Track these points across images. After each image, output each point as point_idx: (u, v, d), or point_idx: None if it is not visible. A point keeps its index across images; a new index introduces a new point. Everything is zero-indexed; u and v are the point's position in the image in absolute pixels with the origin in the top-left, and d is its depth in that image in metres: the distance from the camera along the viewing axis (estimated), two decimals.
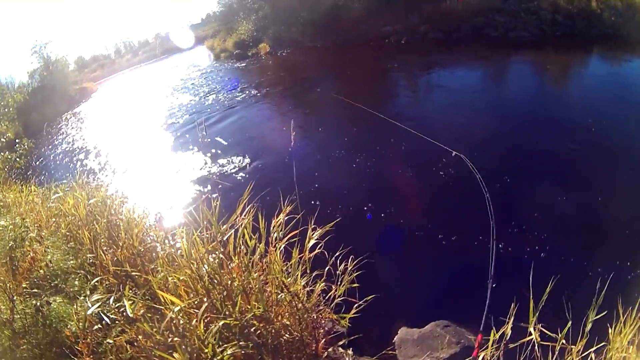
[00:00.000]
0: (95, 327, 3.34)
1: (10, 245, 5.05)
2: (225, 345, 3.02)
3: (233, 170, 10.93)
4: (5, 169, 11.05)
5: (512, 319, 3.23)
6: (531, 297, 3.16)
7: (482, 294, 4.86)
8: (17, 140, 12.47)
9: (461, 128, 10.52)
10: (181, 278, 3.48)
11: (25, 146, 11.77)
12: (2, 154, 11.39)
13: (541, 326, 3.17)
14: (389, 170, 9.01)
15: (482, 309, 4.56)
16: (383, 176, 8.95)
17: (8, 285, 4.13)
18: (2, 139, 10.91)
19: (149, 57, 50.88)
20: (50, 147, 19.17)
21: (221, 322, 3.04)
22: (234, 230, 3.97)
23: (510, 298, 3.33)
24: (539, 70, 15.76)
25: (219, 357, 2.93)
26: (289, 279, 4.01)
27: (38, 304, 3.94)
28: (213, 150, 12.55)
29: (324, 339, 3.97)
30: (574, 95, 12.68)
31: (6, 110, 11.27)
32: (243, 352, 3.04)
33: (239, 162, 11.29)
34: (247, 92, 19.14)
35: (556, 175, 8.03)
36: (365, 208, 7.74)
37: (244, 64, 27.17)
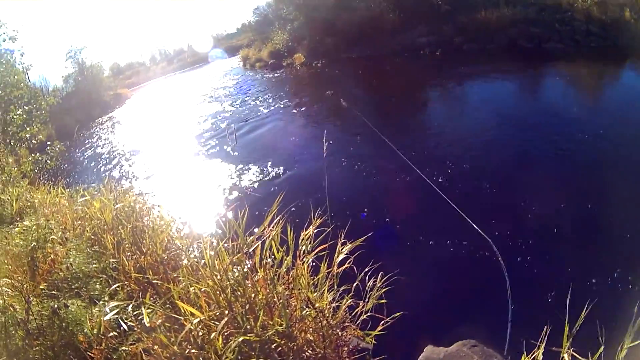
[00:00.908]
0: (111, 333, 3.21)
1: (32, 245, 5.00)
2: None
3: (263, 180, 10.90)
4: (35, 170, 11.07)
5: (544, 342, 3.01)
6: (567, 320, 2.94)
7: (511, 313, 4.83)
8: (48, 143, 12.52)
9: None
10: (202, 289, 3.33)
11: (57, 149, 11.80)
12: (33, 155, 11.43)
13: (573, 351, 2.93)
14: (424, 190, 8.76)
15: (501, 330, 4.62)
16: (417, 195, 8.70)
17: (25, 286, 4.04)
18: (34, 141, 10.94)
19: (184, 66, 51.56)
20: (81, 150, 19.49)
21: (240, 338, 2.88)
22: (260, 241, 3.84)
23: (540, 319, 3.20)
24: (573, 84, 15.44)
25: None
26: (316, 293, 3.85)
27: (55, 306, 3.84)
28: (244, 159, 12.54)
29: (347, 357, 3.78)
30: (610, 109, 12.27)
31: (38, 112, 11.31)
32: None
33: (270, 172, 11.25)
34: (280, 102, 19.21)
35: (590, 194, 7.78)
36: (396, 225, 7.60)
37: (278, 74, 27.28)
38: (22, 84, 10.44)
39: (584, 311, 3.00)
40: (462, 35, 22.29)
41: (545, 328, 3.02)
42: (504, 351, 4.13)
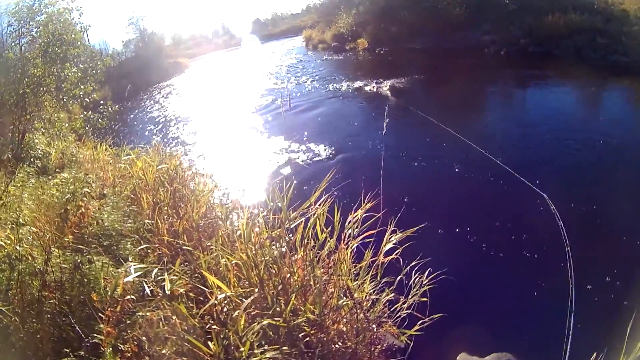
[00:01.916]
0: (128, 296, 2.97)
1: (67, 198, 4.88)
2: (265, 348, 2.57)
3: (315, 158, 10.73)
4: (87, 128, 11.13)
5: None
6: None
7: (553, 331, 4.47)
8: (101, 102, 12.59)
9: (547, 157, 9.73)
10: (233, 262, 3.06)
11: (110, 109, 11.82)
12: (85, 113, 11.49)
13: None
14: (487, 187, 8.37)
15: (549, 347, 4.26)
16: (479, 194, 8.37)
17: (48, 236, 3.86)
18: (87, 99, 10.97)
19: (246, 41, 51.66)
20: (135, 113, 19.75)
21: (266, 321, 2.59)
22: (304, 218, 3.54)
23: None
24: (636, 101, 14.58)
25: (255, 359, 2.49)
26: (356, 282, 3.54)
27: (79, 260, 3.65)
28: (297, 136, 12.40)
29: (379, 356, 3.46)
30: None
31: (94, 72, 11.38)
32: (284, 358, 2.58)
33: (323, 150, 11.07)
34: (340, 84, 18.99)
35: None
36: (451, 221, 7.25)
37: (340, 57, 27.05)
38: (78, 43, 10.44)
39: None
40: (528, 37, 21.52)
41: None
42: None
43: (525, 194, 7.42)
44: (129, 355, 2.80)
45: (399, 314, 3.88)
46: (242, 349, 2.45)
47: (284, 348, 2.60)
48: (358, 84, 18.73)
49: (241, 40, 51.40)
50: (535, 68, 18.34)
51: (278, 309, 2.76)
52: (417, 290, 3.91)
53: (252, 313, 2.74)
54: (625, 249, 6.32)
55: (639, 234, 6.55)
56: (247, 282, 3.03)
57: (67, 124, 10.70)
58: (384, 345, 3.45)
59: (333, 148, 11.11)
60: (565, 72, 17.55)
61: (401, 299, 3.85)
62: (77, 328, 3.12)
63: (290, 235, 3.45)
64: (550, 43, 20.44)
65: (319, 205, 3.55)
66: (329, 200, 3.63)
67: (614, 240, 6.53)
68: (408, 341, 4.01)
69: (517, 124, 12.55)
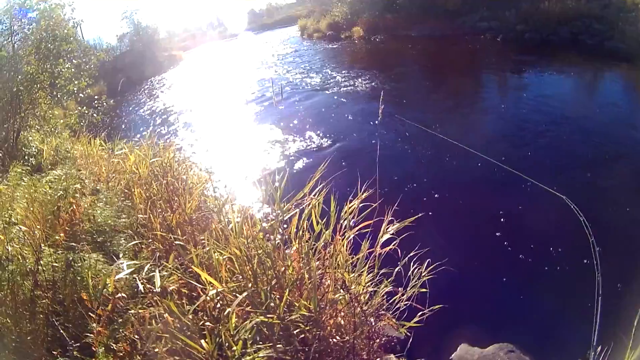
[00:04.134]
0: (119, 294, 2.90)
1: (59, 195, 4.80)
2: (259, 346, 2.49)
3: (310, 148, 10.66)
4: (81, 123, 11.08)
5: None
6: None
7: (558, 322, 4.64)
8: (96, 97, 12.54)
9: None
10: (224, 256, 2.98)
11: (104, 103, 11.81)
12: (79, 108, 11.45)
13: None
14: (484, 175, 8.26)
15: (552, 339, 4.40)
16: (476, 180, 8.28)
17: (38, 234, 3.78)
18: (81, 95, 10.92)
19: (241, 32, 51.43)
20: (130, 107, 19.67)
21: (257, 319, 2.52)
22: (299, 209, 3.44)
23: None
24: (635, 88, 14.45)
25: (248, 358, 2.42)
26: (353, 274, 3.46)
27: (71, 258, 3.58)
28: (292, 126, 12.37)
29: (378, 350, 3.39)
30: None
31: (87, 67, 11.35)
32: (279, 356, 2.51)
33: (318, 139, 11.01)
34: (335, 73, 18.86)
35: None
36: (452, 211, 7.23)
37: (335, 46, 26.92)
38: (71, 38, 10.38)
39: None
40: (524, 23, 21.32)
41: None
42: None
43: (524, 182, 7.37)
44: (121, 354, 2.74)
45: (398, 306, 3.82)
46: (234, 347, 2.38)
47: (278, 345, 2.52)
48: (353, 72, 18.63)
49: (235, 32, 51.21)
50: (531, 54, 18.27)
51: (272, 304, 2.68)
52: (416, 281, 3.84)
53: (246, 309, 2.66)
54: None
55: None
56: (240, 277, 2.94)
57: (62, 121, 10.61)
58: (383, 338, 3.38)
59: (328, 137, 11.05)
60: (562, 58, 17.47)
61: (400, 291, 3.77)
62: (71, 328, 3.07)
63: (285, 227, 3.36)
64: (546, 29, 20.34)
65: (314, 195, 3.45)
66: (324, 190, 3.52)
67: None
68: (408, 333, 3.96)
69: (513, 111, 12.46)
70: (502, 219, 7.01)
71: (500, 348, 4.42)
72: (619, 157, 8.90)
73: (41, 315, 3.20)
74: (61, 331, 3.03)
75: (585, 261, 4.90)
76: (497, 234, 6.67)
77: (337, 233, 3.47)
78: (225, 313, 2.50)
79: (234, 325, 2.45)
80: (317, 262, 3.18)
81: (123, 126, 16.29)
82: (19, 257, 3.45)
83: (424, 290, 3.86)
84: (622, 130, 10.25)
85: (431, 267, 3.91)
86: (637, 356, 2.47)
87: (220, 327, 2.48)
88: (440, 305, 3.89)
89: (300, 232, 3.36)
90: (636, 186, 7.50)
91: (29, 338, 3.06)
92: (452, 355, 4.52)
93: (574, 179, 7.95)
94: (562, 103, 12.60)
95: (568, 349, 4.09)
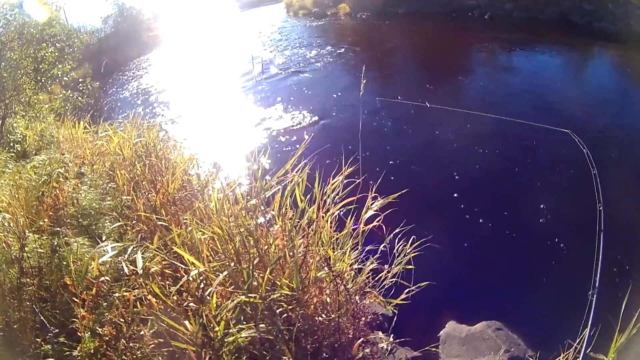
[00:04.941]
0: (102, 278, 2.88)
1: (43, 180, 4.77)
2: (242, 326, 2.49)
3: (292, 124, 10.75)
4: (66, 107, 10.98)
5: None
6: None
7: (546, 300, 4.70)
8: (80, 80, 12.42)
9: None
10: (205, 235, 2.96)
11: (89, 86, 11.71)
12: (64, 92, 11.34)
13: None
14: (466, 147, 8.35)
15: (541, 317, 4.47)
16: (459, 153, 8.36)
17: (22, 221, 3.74)
18: (66, 78, 10.83)
19: (225, 10, 50.62)
20: (115, 89, 19.47)
21: (238, 299, 2.52)
22: (281, 186, 3.41)
23: None
24: (622, 68, 14.58)
25: (231, 338, 2.41)
26: (337, 252, 3.45)
27: (55, 243, 3.55)
28: (275, 103, 12.41)
29: (364, 328, 3.39)
30: None
31: (71, 50, 11.26)
32: (262, 336, 2.50)
33: (301, 116, 11.07)
34: (319, 50, 18.78)
35: None
36: (437, 185, 7.28)
37: (321, 23, 26.61)
38: (54, 22, 10.28)
39: None
40: (512, 1, 21.30)
41: None
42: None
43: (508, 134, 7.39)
44: (107, 338, 2.72)
45: (385, 283, 3.83)
46: (217, 328, 2.38)
47: (261, 325, 2.52)
48: (337, 49, 18.59)
49: (219, 9, 50.48)
50: (519, 32, 18.35)
51: (255, 283, 2.67)
52: (401, 258, 3.85)
53: (229, 289, 2.65)
54: None
55: None
56: (223, 257, 2.93)
57: (46, 105, 10.50)
58: (369, 316, 3.37)
59: (310, 114, 11.10)
60: (550, 38, 17.55)
61: (385, 268, 3.78)
62: (57, 314, 3.06)
63: (268, 204, 3.33)
64: (535, 8, 20.29)
65: (297, 172, 3.41)
66: (307, 167, 3.48)
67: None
68: (395, 311, 3.99)
69: (501, 87, 12.70)
70: (486, 194, 7.05)
71: (488, 326, 4.49)
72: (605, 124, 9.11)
73: (28, 303, 3.18)
74: (47, 318, 3.01)
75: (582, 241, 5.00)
76: (481, 209, 6.69)
77: (321, 210, 3.44)
78: (207, 293, 2.49)
79: (215, 305, 2.43)
80: (301, 240, 3.15)
81: (108, 108, 16.15)
82: (4, 244, 3.43)
83: (410, 267, 3.88)
84: (613, 103, 10.35)
85: (416, 243, 3.91)
86: (625, 339, 2.48)
87: (204, 308, 2.47)
88: (427, 282, 3.91)
89: (284, 210, 3.34)
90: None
91: (16, 326, 3.05)
92: (440, 332, 4.59)
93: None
94: (550, 80, 12.77)
95: (559, 324, 4.12)
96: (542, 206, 6.55)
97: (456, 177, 7.46)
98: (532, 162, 7.75)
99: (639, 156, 7.41)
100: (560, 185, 6.98)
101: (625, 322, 2.55)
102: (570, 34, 17.56)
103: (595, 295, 4.42)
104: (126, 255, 2.91)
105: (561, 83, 12.11)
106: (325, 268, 3.00)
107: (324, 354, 2.83)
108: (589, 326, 3.58)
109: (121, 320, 2.73)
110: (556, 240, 5.92)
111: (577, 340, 2.78)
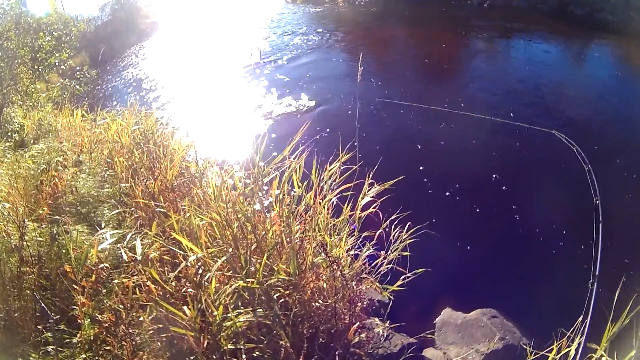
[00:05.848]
0: (102, 265, 2.91)
1: (42, 169, 4.78)
2: (239, 311, 2.52)
3: (290, 111, 10.63)
4: (64, 96, 10.94)
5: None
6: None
7: (543, 289, 4.70)
8: (78, 68, 12.38)
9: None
10: (203, 222, 2.98)
11: (87, 74, 11.65)
12: (61, 81, 11.30)
13: None
14: (464, 135, 8.27)
15: (537, 306, 4.50)
16: (456, 141, 8.24)
17: (21, 210, 3.77)
18: (63, 66, 10.81)
19: None
20: (112, 76, 19.33)
21: (235, 284, 2.54)
22: (279, 172, 3.44)
23: None
24: (621, 60, 14.55)
25: (229, 323, 2.45)
26: (334, 238, 3.48)
27: (55, 231, 3.58)
28: (272, 90, 12.26)
29: (360, 313, 3.43)
30: None
31: (68, 38, 11.22)
32: (259, 321, 2.54)
33: (298, 103, 10.94)
34: (316, 37, 18.53)
35: None
36: (434, 172, 7.21)
37: (319, 9, 26.29)
38: (51, 11, 10.27)
39: None
40: None
41: None
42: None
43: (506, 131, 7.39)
44: (107, 325, 2.76)
45: (381, 269, 3.86)
46: (215, 312, 2.41)
47: (258, 310, 2.55)
48: (335, 36, 18.44)
49: None
50: (517, 21, 18.10)
51: (252, 269, 2.70)
52: (397, 245, 3.87)
53: (227, 274, 2.69)
54: None
55: None
56: (221, 242, 2.96)
57: (44, 94, 10.47)
58: (365, 302, 3.40)
59: (308, 100, 10.98)
60: (549, 28, 17.34)
61: (382, 254, 3.81)
62: (57, 301, 3.09)
63: (266, 190, 3.36)
64: None
65: (294, 158, 3.44)
66: (305, 153, 3.51)
67: None
68: (391, 297, 4.00)
69: (499, 76, 12.55)
70: (482, 178, 7.04)
71: (484, 313, 4.49)
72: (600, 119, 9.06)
73: (28, 291, 3.20)
74: (47, 306, 3.04)
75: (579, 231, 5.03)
76: (478, 194, 6.69)
77: (318, 196, 3.48)
78: (206, 278, 2.52)
79: (214, 289, 2.47)
80: (298, 226, 3.19)
81: (106, 96, 16.09)
82: (4, 234, 3.44)
83: (406, 254, 3.91)
84: (610, 97, 10.35)
85: (412, 230, 3.94)
86: (618, 328, 2.50)
87: (202, 293, 2.50)
88: (423, 269, 3.94)
89: (281, 196, 3.36)
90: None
91: (16, 315, 3.07)
92: (436, 319, 4.58)
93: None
94: (549, 70, 12.71)
95: (555, 314, 4.14)
96: (539, 195, 6.56)
97: (453, 165, 7.41)
98: (528, 155, 7.72)
99: (633, 151, 7.39)
100: (554, 178, 6.97)
101: (620, 311, 2.57)
102: (570, 23, 17.38)
103: (595, 284, 4.44)
104: (125, 242, 2.94)
105: (557, 77, 11.98)
106: (322, 254, 3.02)
107: (321, 339, 2.87)
108: (588, 316, 3.64)
109: (120, 306, 2.77)
110: (553, 230, 5.92)
111: (571, 329, 2.78)
